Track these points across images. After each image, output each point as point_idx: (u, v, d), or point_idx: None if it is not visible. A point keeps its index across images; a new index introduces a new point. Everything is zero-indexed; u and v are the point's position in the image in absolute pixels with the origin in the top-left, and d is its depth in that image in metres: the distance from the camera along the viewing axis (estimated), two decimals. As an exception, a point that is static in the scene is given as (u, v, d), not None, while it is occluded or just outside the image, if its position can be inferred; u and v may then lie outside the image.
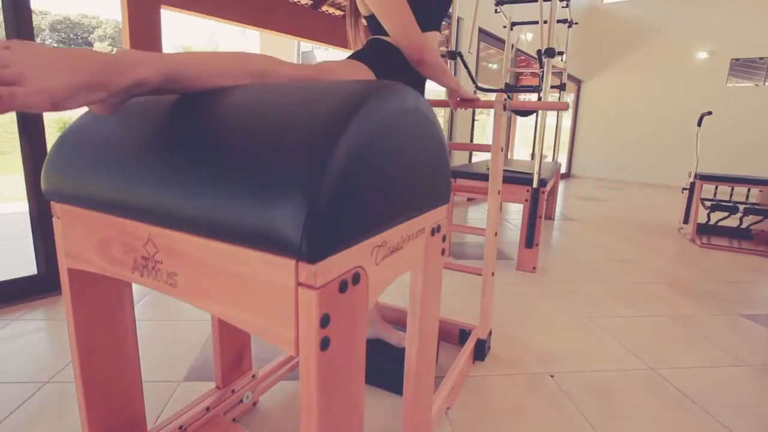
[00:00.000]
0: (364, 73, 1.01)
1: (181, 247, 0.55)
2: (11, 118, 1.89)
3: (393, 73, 1.08)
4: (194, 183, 0.52)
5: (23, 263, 2.01)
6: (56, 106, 0.46)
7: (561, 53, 2.39)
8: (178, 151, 0.56)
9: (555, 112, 4.77)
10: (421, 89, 1.23)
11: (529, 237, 2.41)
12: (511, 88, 3.63)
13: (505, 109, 1.34)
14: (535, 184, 2.39)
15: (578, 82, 8.38)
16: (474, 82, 2.76)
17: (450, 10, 2.70)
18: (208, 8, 4.92)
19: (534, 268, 2.49)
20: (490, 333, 1.57)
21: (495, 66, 8.60)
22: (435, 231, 0.78)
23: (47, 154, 0.71)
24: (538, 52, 2.37)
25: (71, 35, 22.46)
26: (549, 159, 5.02)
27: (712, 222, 3.78)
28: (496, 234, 1.44)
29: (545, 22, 2.64)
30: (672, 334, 1.82)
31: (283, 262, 0.47)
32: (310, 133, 0.49)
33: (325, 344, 0.48)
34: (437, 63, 1.10)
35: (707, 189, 4.03)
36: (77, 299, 0.74)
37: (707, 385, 1.45)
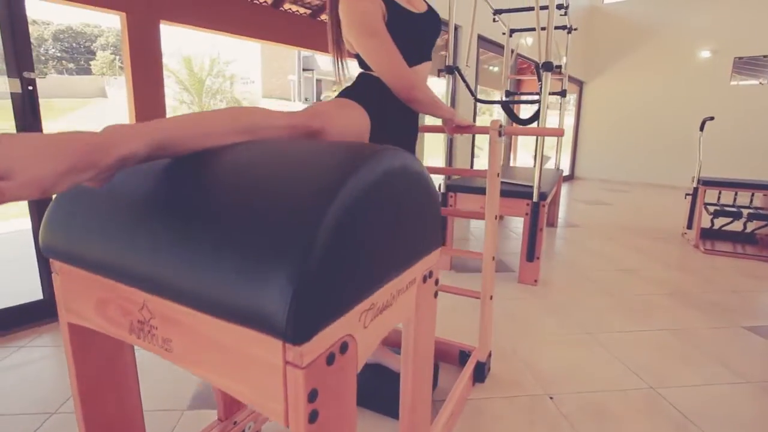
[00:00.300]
0: (356, 111, 1.02)
1: (174, 315, 0.57)
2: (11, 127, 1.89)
3: (384, 109, 1.09)
4: (183, 256, 0.53)
5: (30, 286, 2.04)
6: (45, 193, 0.47)
7: (559, 67, 2.39)
8: (167, 221, 0.58)
9: (557, 114, 4.77)
10: (415, 120, 1.25)
11: (530, 251, 2.42)
12: (510, 97, 3.63)
13: (500, 135, 1.35)
14: (535, 198, 2.39)
15: (580, 84, 8.35)
16: (473, 95, 2.77)
17: (447, 18, 2.71)
18: (207, 22, 4.96)
19: (536, 281, 2.49)
20: (490, 354, 1.58)
21: (496, 69, 8.59)
22: (427, 277, 0.79)
23: (46, 210, 0.73)
24: (536, 65, 2.37)
25: (74, 44, 22.64)
26: (552, 160, 5.00)
27: (716, 227, 3.77)
28: (493, 258, 1.45)
29: (543, 29, 2.63)
30: (672, 349, 1.82)
31: (271, 341, 0.48)
32: (294, 210, 0.50)
33: (313, 417, 0.50)
34: (428, 98, 1.11)
35: (711, 193, 4.01)
36: (78, 352, 0.76)
37: (706, 404, 1.45)
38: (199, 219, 0.55)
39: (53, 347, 1.71)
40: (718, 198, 3.74)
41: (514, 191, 2.50)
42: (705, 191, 3.56)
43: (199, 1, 4.86)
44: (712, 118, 3.70)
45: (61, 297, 0.74)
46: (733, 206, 3.62)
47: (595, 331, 1.96)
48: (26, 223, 1.98)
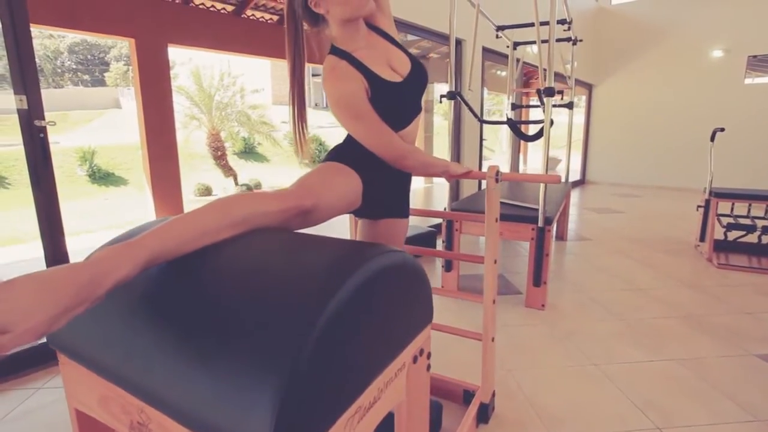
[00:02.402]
0: (346, 177, 1.03)
1: (169, 426, 0.59)
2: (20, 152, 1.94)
3: (375, 167, 1.10)
4: (171, 376, 0.56)
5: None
6: (41, 336, 0.50)
7: (561, 92, 2.38)
8: (158, 334, 0.60)
9: (566, 111, 4.70)
10: (407, 175, 1.25)
11: (537, 276, 2.41)
12: (516, 110, 3.61)
13: (497, 181, 1.36)
14: (540, 223, 2.38)
15: (589, 87, 8.25)
16: (477, 118, 2.77)
17: (448, 32, 2.69)
18: (214, 43, 5.06)
19: (543, 305, 2.48)
20: (494, 394, 1.59)
21: (504, 74, 8.53)
22: (418, 357, 0.81)
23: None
24: (538, 91, 2.37)
25: (88, 56, 23.15)
26: (563, 163, 4.96)
27: (729, 238, 3.69)
28: (494, 301, 1.46)
29: (544, 41, 2.61)
30: (681, 381, 1.80)
31: (257, 470, 0.50)
32: (275, 331, 0.52)
33: None
34: (419, 163, 1.12)
35: (723, 203, 3.93)
36: (84, 435, 0.79)
37: (714, 447, 1.43)
38: (184, 333, 0.58)
39: (68, 387, 1.76)
40: (732, 209, 3.66)
41: (519, 215, 2.49)
42: (717, 203, 3.50)
43: (204, 23, 4.97)
44: (722, 130, 3.63)
45: (67, 386, 0.77)
46: (747, 216, 3.54)
47: (602, 363, 1.95)
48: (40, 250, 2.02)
